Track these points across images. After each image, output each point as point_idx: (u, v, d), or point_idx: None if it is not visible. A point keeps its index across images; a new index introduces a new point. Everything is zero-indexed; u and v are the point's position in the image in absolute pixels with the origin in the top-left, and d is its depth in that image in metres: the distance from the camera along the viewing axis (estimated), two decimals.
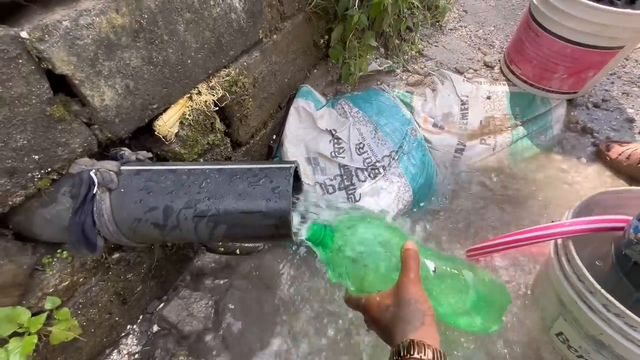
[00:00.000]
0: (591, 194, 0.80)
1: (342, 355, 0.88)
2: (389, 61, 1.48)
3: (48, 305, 0.65)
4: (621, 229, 0.69)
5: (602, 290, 0.62)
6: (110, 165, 0.61)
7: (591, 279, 0.64)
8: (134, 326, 0.88)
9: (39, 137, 0.55)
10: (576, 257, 0.68)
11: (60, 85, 0.57)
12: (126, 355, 0.83)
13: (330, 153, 1.14)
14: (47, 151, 0.57)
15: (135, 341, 0.86)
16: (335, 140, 1.17)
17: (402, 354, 0.37)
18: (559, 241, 0.75)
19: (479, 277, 0.56)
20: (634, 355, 0.61)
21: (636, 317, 0.59)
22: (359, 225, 0.50)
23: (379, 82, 1.45)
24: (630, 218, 0.67)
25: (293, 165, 0.62)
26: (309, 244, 0.51)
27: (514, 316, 0.91)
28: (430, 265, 0.51)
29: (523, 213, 1.16)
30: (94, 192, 0.58)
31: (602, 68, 1.25)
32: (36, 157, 0.56)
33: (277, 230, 0.60)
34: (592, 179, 1.22)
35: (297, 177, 0.66)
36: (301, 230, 0.55)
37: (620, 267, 0.69)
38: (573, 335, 0.74)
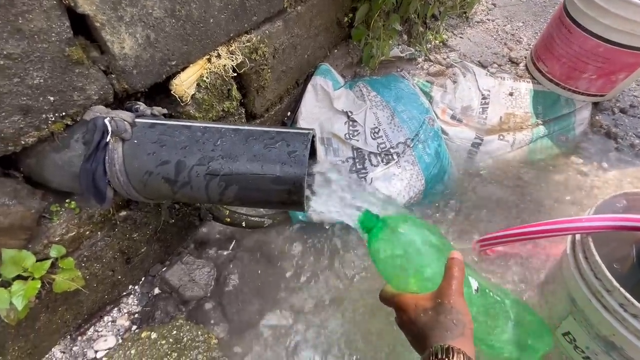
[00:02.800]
0: (614, 194, 0.77)
1: (341, 333, 0.87)
2: (411, 48, 1.44)
3: (53, 253, 0.64)
4: None
5: (621, 289, 0.60)
6: (125, 115, 0.59)
7: (610, 276, 0.61)
8: (136, 287, 0.88)
9: (56, 78, 0.54)
10: (595, 253, 0.65)
11: (81, 28, 0.56)
12: (126, 314, 0.83)
13: (345, 135, 1.12)
14: (63, 94, 0.56)
15: (136, 301, 0.86)
16: (351, 123, 1.14)
17: (439, 356, 0.37)
18: (577, 237, 0.72)
19: (522, 310, 0.55)
20: None
21: None
22: (412, 226, 0.50)
23: (398, 70, 1.41)
24: None
25: (311, 131, 0.60)
26: (359, 229, 0.51)
27: None
28: (474, 283, 0.51)
29: (535, 214, 1.13)
30: (107, 140, 0.57)
31: (635, 71, 1.20)
32: (51, 98, 0.55)
33: (290, 196, 0.58)
34: (612, 184, 1.18)
35: (312, 148, 0.64)
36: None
37: None
38: (581, 336, 0.71)
